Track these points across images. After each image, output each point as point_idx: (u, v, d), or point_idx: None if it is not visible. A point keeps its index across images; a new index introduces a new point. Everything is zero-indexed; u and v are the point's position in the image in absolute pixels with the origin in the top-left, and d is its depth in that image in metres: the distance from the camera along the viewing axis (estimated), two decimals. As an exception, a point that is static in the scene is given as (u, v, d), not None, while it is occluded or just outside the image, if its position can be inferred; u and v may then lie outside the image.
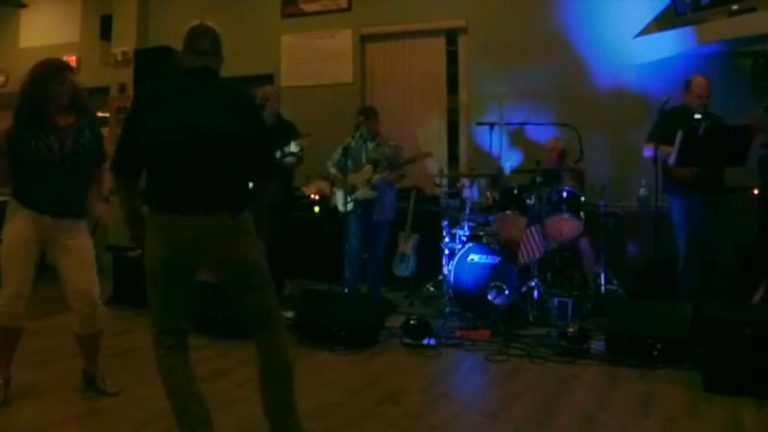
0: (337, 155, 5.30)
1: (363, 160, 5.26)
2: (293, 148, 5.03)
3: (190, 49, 2.51)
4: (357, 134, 5.28)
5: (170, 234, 2.42)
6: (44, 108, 3.15)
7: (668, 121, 4.66)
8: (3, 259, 3.16)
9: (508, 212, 5.06)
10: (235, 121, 2.45)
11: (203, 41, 2.51)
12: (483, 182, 6.24)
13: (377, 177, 5.20)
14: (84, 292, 3.23)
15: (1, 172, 3.17)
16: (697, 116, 4.67)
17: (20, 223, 3.16)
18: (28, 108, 3.16)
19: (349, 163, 5.19)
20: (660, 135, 4.63)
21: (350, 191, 5.16)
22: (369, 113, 5.34)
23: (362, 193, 5.19)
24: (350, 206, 5.19)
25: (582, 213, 4.97)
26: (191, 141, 2.39)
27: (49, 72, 3.18)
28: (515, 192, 5.12)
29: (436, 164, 6.70)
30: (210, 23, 2.60)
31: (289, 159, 5.10)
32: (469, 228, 5.22)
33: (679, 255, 4.77)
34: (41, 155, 3.11)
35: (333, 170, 5.37)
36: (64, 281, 3.24)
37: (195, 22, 2.59)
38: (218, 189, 2.44)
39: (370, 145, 5.33)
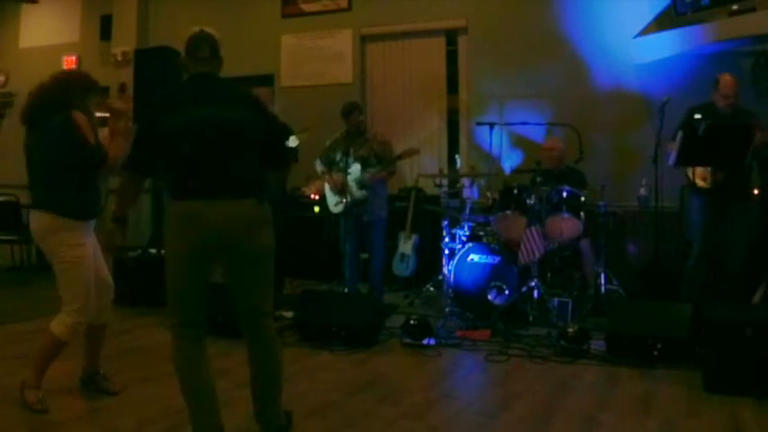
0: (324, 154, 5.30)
1: (350, 159, 5.11)
2: (292, 143, 4.97)
3: (191, 56, 2.68)
4: (341, 133, 5.25)
5: (197, 218, 2.50)
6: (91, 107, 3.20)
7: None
8: (82, 280, 3.12)
9: (508, 212, 5.06)
10: (239, 113, 2.63)
11: (203, 48, 2.67)
12: (483, 182, 6.25)
13: (365, 176, 5.12)
14: (109, 280, 3.34)
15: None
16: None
17: (86, 241, 3.15)
18: (85, 105, 3.15)
19: (324, 164, 5.25)
20: None
21: (339, 191, 5.14)
22: (347, 112, 5.20)
23: (353, 193, 5.12)
24: (340, 207, 5.18)
25: (582, 213, 4.97)
26: (207, 133, 2.55)
27: (92, 81, 3.25)
28: (515, 192, 5.12)
29: (436, 164, 6.71)
30: (209, 29, 2.73)
31: None
32: (469, 228, 5.22)
33: (691, 252, 4.73)
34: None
35: (319, 168, 5.35)
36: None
37: (195, 29, 2.72)
38: (242, 177, 2.59)
39: (358, 142, 5.20)
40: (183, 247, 2.53)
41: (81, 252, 3.12)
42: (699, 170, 4.60)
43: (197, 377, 2.55)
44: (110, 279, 3.38)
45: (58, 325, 3.12)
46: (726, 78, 4.61)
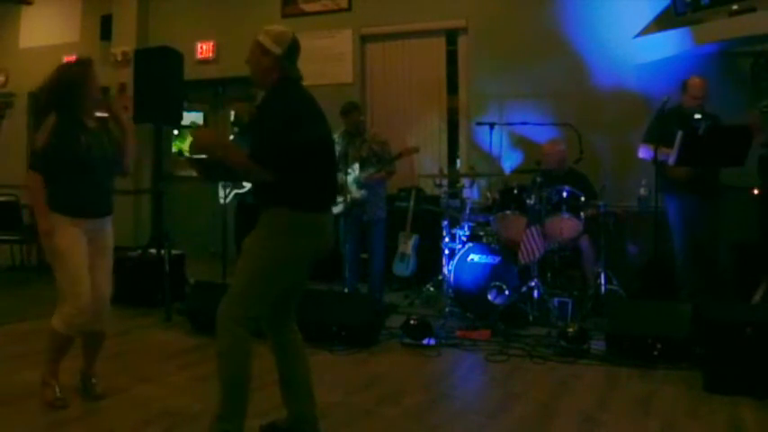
0: None
1: (349, 159, 5.12)
2: None
3: (289, 58, 2.69)
4: (340, 133, 5.24)
5: (322, 229, 2.69)
6: (82, 105, 3.15)
7: (665, 123, 4.68)
8: (68, 271, 3.11)
9: (508, 212, 5.06)
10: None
11: (298, 54, 2.73)
12: (483, 182, 6.24)
13: (364, 176, 5.12)
14: (99, 293, 3.24)
15: None
16: (697, 116, 4.68)
17: (72, 232, 3.12)
18: (68, 106, 3.14)
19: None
20: (656, 136, 4.65)
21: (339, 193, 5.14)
22: (346, 110, 5.21)
23: (352, 193, 5.11)
24: (340, 208, 5.18)
25: (582, 213, 4.97)
26: (330, 149, 2.81)
27: (80, 69, 3.20)
28: (515, 192, 5.11)
29: (436, 164, 6.71)
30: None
31: None
32: (469, 228, 5.22)
33: (676, 254, 4.79)
34: (82, 154, 3.10)
35: None
36: None
37: (288, 31, 2.71)
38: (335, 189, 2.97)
39: (357, 142, 5.22)
40: (303, 254, 2.66)
41: (64, 243, 3.11)
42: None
43: (246, 370, 2.59)
44: (103, 291, 3.27)
45: (54, 317, 3.14)
46: (695, 81, 4.80)
